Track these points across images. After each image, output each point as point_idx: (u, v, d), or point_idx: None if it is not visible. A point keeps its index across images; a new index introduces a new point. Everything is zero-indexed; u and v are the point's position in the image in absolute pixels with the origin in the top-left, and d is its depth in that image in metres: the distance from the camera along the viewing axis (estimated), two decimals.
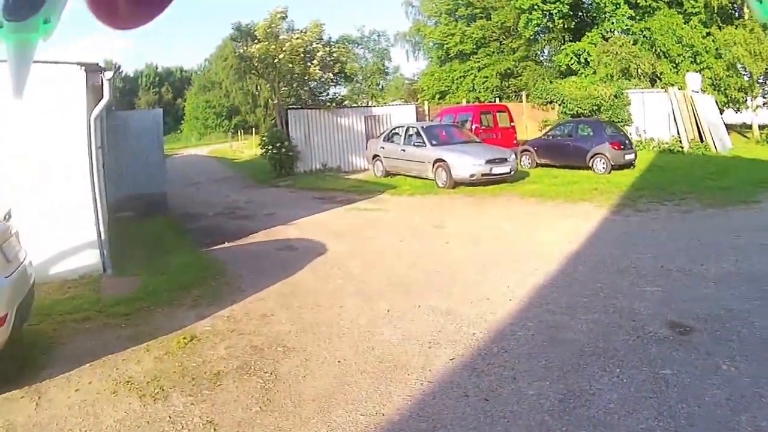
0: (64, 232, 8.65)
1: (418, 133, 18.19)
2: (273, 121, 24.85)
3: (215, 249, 10.56)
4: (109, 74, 8.70)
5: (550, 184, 16.14)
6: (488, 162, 16.16)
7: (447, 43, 35.39)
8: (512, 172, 16.65)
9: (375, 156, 20.06)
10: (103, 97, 8.68)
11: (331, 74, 23.37)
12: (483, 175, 16.02)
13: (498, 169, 16.26)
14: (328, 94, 24.55)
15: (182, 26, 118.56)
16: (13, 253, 5.60)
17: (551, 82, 28.59)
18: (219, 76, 59.39)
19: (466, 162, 16.09)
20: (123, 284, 8.49)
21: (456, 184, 16.25)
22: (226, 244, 10.84)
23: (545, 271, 7.77)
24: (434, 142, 17.56)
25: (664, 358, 4.93)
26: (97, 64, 8.67)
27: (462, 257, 8.86)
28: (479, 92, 33.75)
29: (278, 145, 21.41)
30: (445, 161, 16.43)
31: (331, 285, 7.70)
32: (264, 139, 22.59)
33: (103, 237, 9.00)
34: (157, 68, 78.13)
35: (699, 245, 8.86)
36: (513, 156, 17.24)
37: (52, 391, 5.02)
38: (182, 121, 72.10)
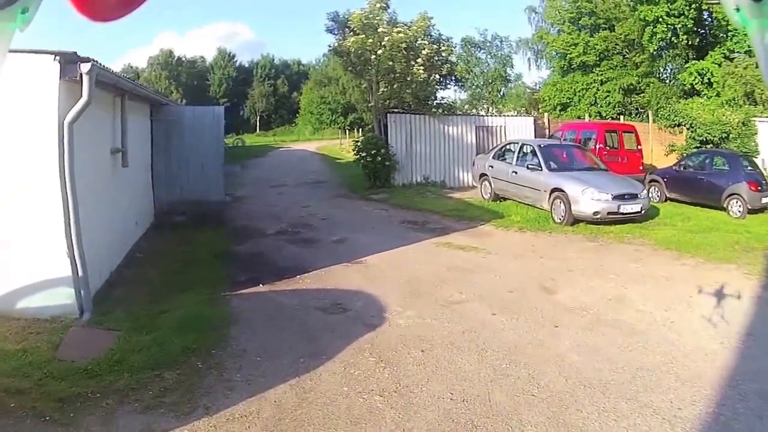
0: (33, 264, 6.90)
1: (533, 153, 14.98)
2: (370, 126, 22.38)
3: (242, 293, 8.13)
4: (86, 66, 6.57)
5: (684, 229, 12.66)
6: (616, 198, 12.86)
7: (569, 53, 33.61)
8: (643, 212, 13.33)
9: (482, 175, 16.99)
10: (81, 96, 6.62)
11: (437, 75, 20.46)
12: (609, 213, 12.77)
13: (627, 208, 12.93)
14: (435, 98, 21.61)
15: (303, 20, 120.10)
16: None
17: (678, 101, 27.01)
18: (337, 72, 58.76)
19: (590, 196, 12.79)
20: (90, 342, 6.49)
21: (575, 221, 13.05)
22: (261, 287, 8.38)
23: (690, 415, 4.76)
24: (552, 166, 14.32)
25: None
26: (75, 53, 6.58)
27: (573, 362, 5.75)
28: (601, 107, 31.70)
29: (374, 152, 18.88)
30: (564, 192, 13.20)
31: (358, 406, 4.87)
32: (358, 144, 20.18)
33: (80, 272, 6.95)
34: (273, 60, 78.66)
35: None
36: (645, 191, 14.03)
37: None
38: (297, 115, 72.30)
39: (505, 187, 15.74)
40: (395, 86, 19.61)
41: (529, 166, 14.64)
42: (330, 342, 6.25)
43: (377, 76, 19.27)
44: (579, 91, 33.29)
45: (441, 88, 22.76)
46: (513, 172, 15.28)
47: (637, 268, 9.60)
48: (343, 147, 42.20)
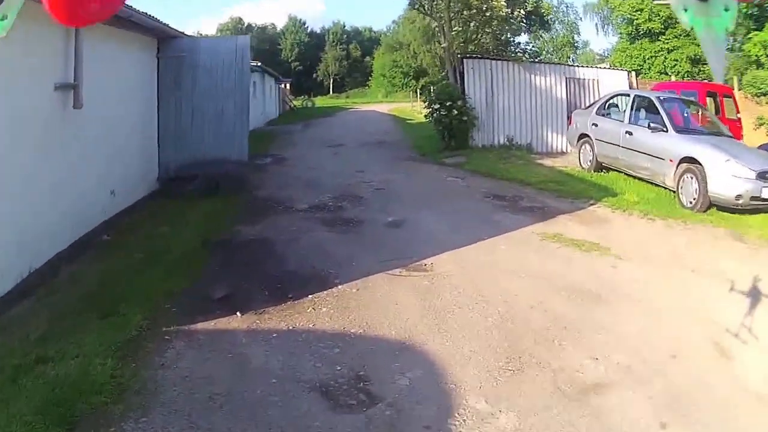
0: None
1: (652, 108, 10.28)
2: (443, 74, 17.86)
3: (198, 330, 4.23)
4: None
5: None
6: (759, 176, 8.20)
7: (636, 19, 31.49)
8: None
9: (582, 137, 12.30)
10: None
11: (522, 12, 15.61)
12: (752, 198, 8.15)
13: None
14: (519, 44, 16.84)
15: None
16: None
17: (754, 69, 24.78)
18: (407, 38, 55.78)
19: (732, 171, 8.21)
20: None
21: (709, 206, 8.49)
22: (237, 318, 4.45)
23: None
24: (679, 128, 9.70)
25: None
26: None
27: None
28: (670, 76, 28.64)
29: (449, 104, 14.49)
30: (699, 164, 8.57)
31: None
32: (431, 96, 15.78)
33: None
34: (344, 26, 74.38)
35: None
36: None
37: None
38: (370, 78, 68.16)
39: (613, 153, 11.07)
40: (471, 26, 14.99)
41: (651, 126, 9.90)
42: None
43: (449, 13, 14.70)
44: (648, 59, 31.01)
45: (525, 30, 17.89)
46: (626, 132, 10.61)
47: None
48: (415, 108, 37.98)
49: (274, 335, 4.15)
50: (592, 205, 8.98)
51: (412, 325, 4.32)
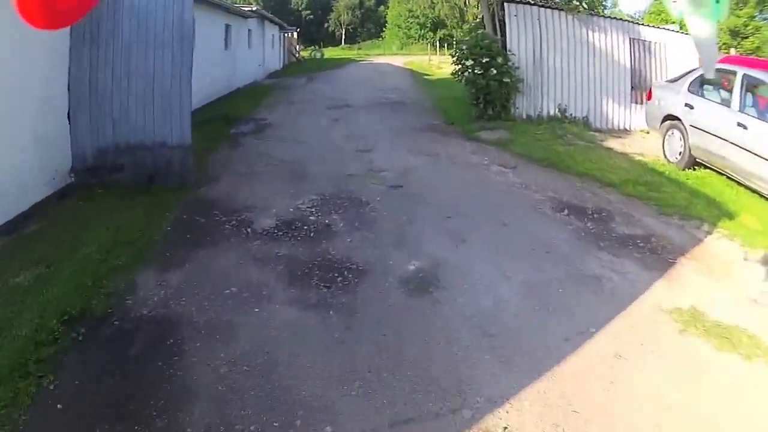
0: None
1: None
2: (477, 21, 14.41)
3: None
4: None
5: None
6: None
7: None
8: None
9: (669, 119, 9.00)
10: None
11: None
12: None
13: None
14: None
15: None
16: None
17: None
18: None
19: None
20: None
21: None
22: None
23: None
24: None
25: None
26: None
27: None
28: None
29: (486, 61, 11.19)
30: None
31: None
32: (461, 49, 12.20)
33: None
34: None
35: None
36: None
37: None
38: (384, 29, 64.60)
39: (717, 149, 7.68)
40: None
41: None
42: None
43: None
44: (684, 26, 27.80)
45: None
46: (738, 124, 7.27)
47: None
48: (433, 63, 34.49)
49: None
50: (708, 234, 5.79)
51: None
